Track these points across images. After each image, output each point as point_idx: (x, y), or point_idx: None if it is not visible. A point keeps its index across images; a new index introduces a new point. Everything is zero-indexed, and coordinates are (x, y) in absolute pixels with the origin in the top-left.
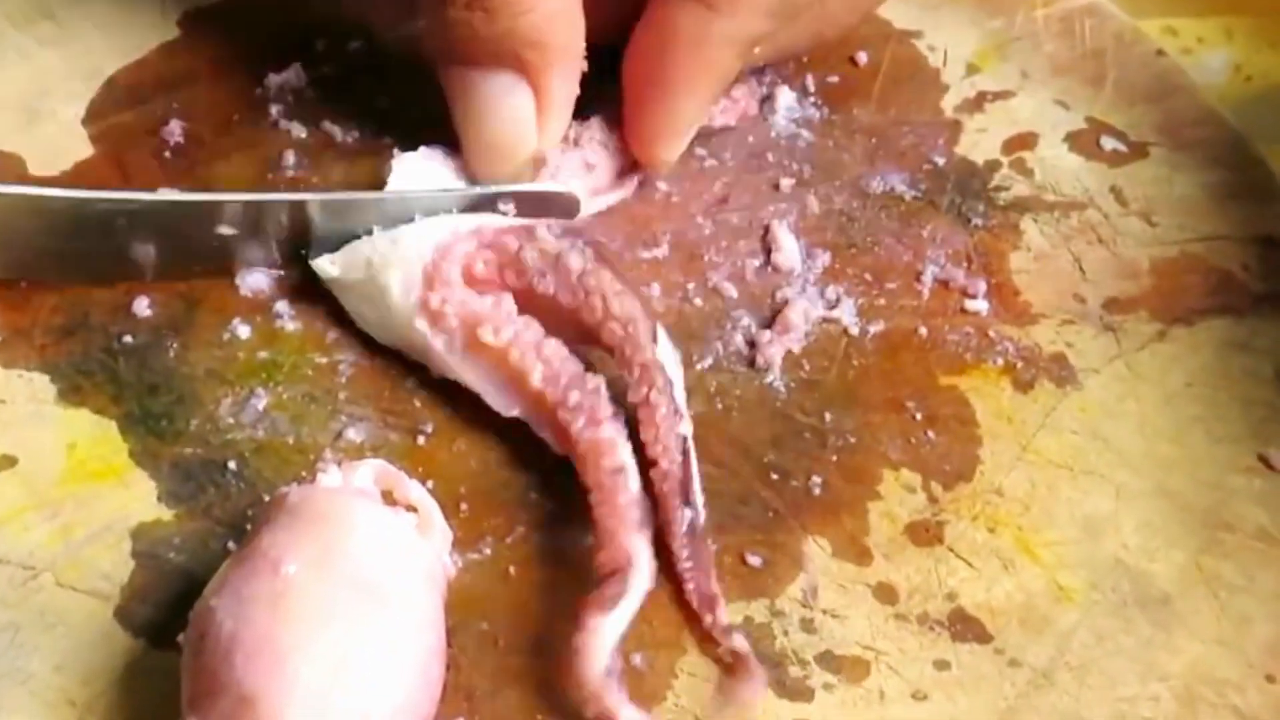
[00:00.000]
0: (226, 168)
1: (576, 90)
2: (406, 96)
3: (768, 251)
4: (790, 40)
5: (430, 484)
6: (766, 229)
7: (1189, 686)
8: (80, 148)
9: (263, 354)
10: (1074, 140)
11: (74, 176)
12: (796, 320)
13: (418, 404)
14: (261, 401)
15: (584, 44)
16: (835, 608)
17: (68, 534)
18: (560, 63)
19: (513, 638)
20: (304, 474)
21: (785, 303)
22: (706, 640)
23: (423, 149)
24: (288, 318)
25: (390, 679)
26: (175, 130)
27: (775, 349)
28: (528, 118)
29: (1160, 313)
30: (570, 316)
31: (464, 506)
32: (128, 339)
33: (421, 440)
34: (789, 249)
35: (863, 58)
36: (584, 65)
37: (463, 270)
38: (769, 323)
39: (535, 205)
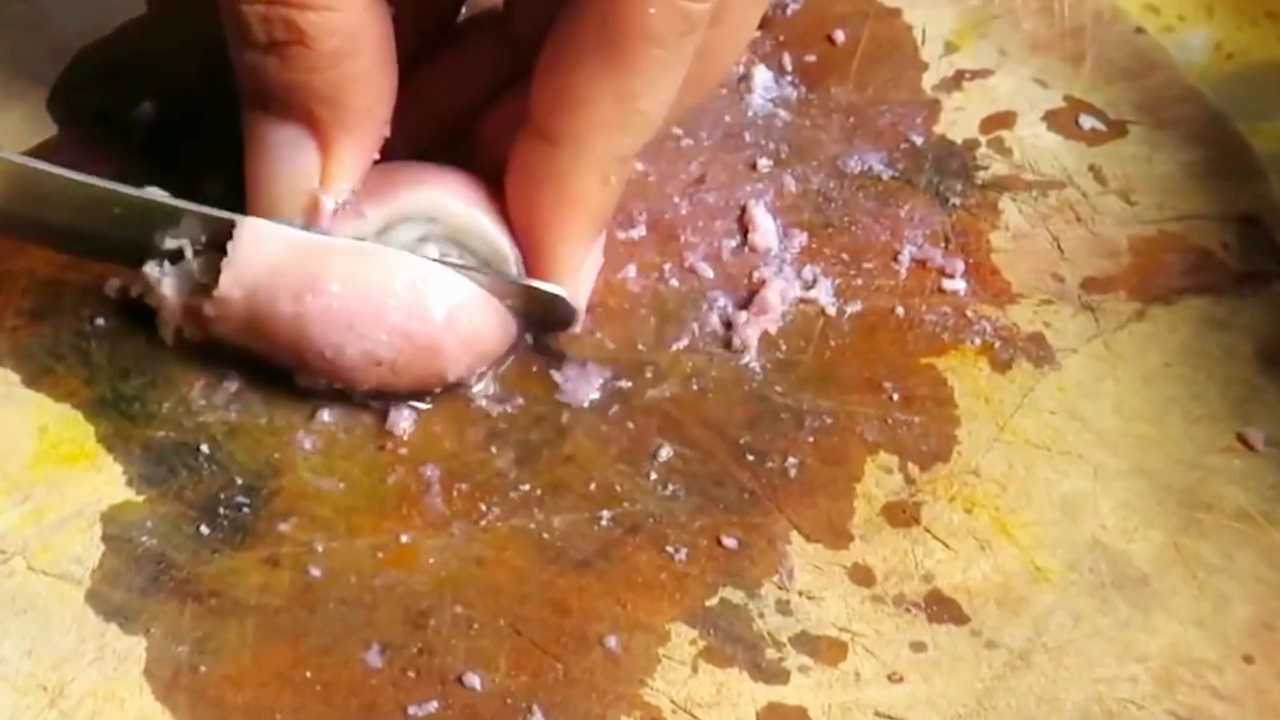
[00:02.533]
0: (200, 148)
1: (373, 156)
2: None
3: (744, 231)
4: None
5: (405, 467)
6: (743, 209)
7: (1167, 667)
8: (52, 128)
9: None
10: (1053, 119)
11: (43, 156)
12: (773, 300)
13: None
14: (234, 384)
15: (388, 112)
16: (811, 589)
17: (39, 518)
18: (355, 127)
19: (487, 621)
20: (276, 455)
21: (762, 283)
22: None
23: None
24: None
25: None
26: (147, 111)
27: (752, 330)
28: (310, 175)
29: (1139, 292)
30: None
31: (438, 489)
32: (99, 322)
33: (396, 421)
34: (766, 229)
35: (840, 36)
36: (386, 133)
37: None
38: (745, 303)
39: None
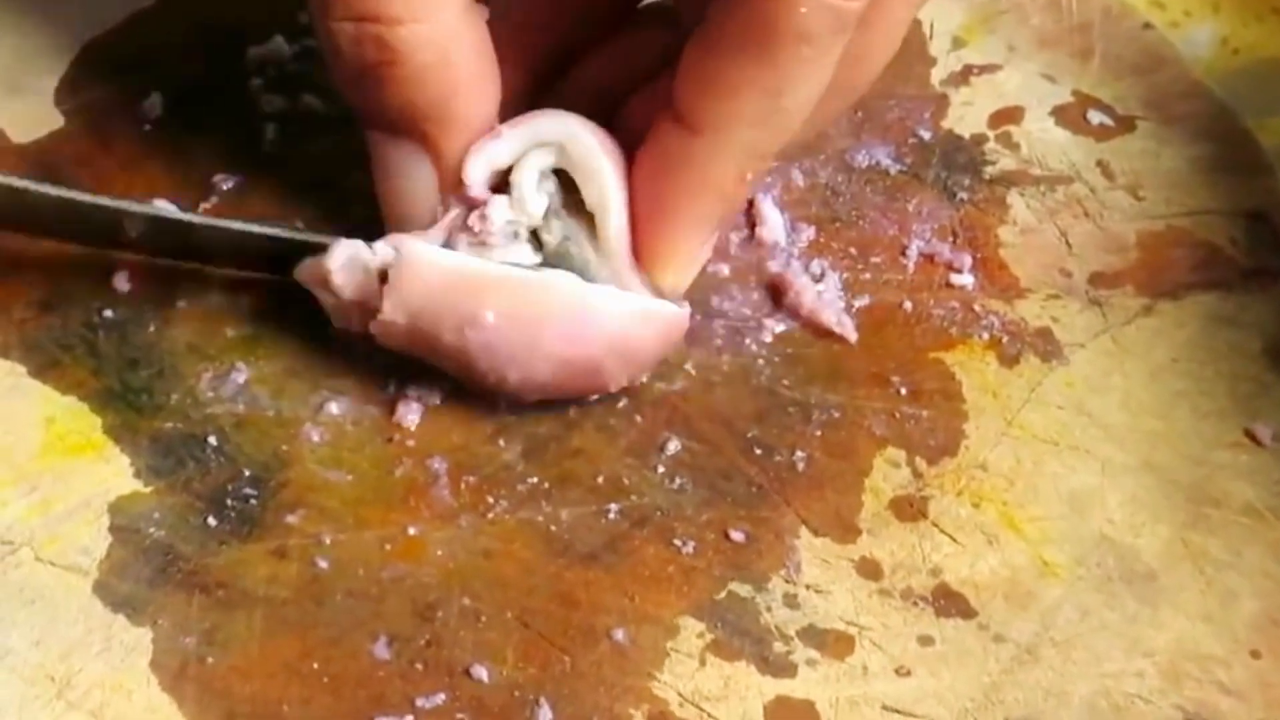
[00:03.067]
0: (208, 142)
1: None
2: None
3: (752, 226)
4: (805, 134)
5: (412, 459)
6: (751, 203)
7: (1174, 662)
8: (60, 120)
9: (244, 329)
10: (1061, 114)
11: (51, 148)
12: (808, 303)
13: (400, 378)
14: (242, 375)
15: (494, 111)
16: (819, 583)
17: (46, 509)
18: (465, 135)
19: (494, 613)
20: (284, 447)
21: (773, 276)
22: None
23: None
24: (268, 292)
25: None
26: (155, 103)
27: (780, 327)
28: (430, 189)
29: (1147, 287)
30: None
31: (446, 481)
32: (108, 313)
33: (404, 414)
34: (774, 223)
35: None
36: (488, 130)
37: None
38: (755, 298)
39: None
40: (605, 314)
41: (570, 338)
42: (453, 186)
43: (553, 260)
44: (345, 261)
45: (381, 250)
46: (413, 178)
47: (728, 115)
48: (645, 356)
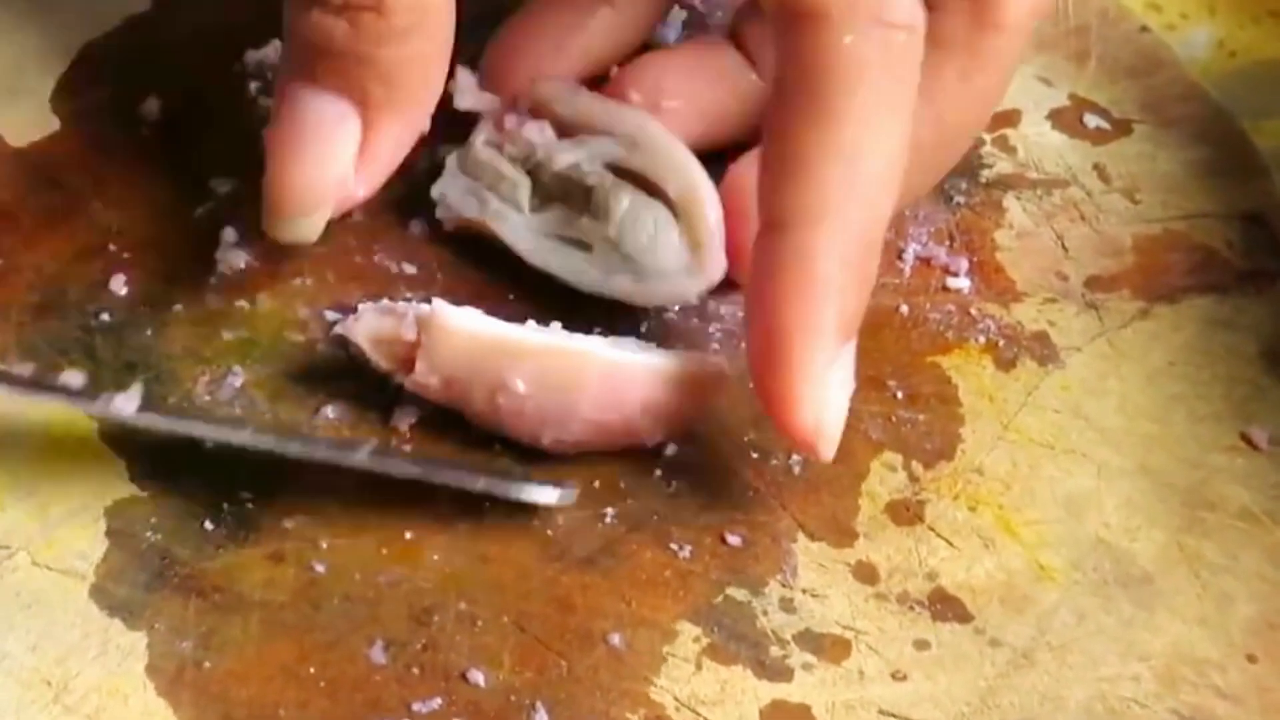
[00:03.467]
0: (205, 146)
1: (406, 151)
2: None
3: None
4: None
5: None
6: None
7: (1170, 666)
8: (56, 123)
9: (241, 332)
10: (1057, 117)
11: (48, 152)
12: None
13: (396, 382)
14: (239, 379)
15: (434, 103)
16: (815, 587)
17: (43, 513)
18: (406, 111)
19: (491, 618)
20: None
21: None
22: None
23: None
24: (266, 296)
25: None
26: (153, 107)
27: None
28: (347, 151)
29: (1143, 290)
30: None
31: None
32: (105, 317)
33: (401, 418)
34: None
35: None
36: (427, 125)
37: None
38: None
39: None
40: (638, 380)
41: (603, 405)
42: (367, 161)
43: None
44: (373, 332)
45: (413, 313)
46: (332, 136)
47: (807, 198)
48: (681, 416)
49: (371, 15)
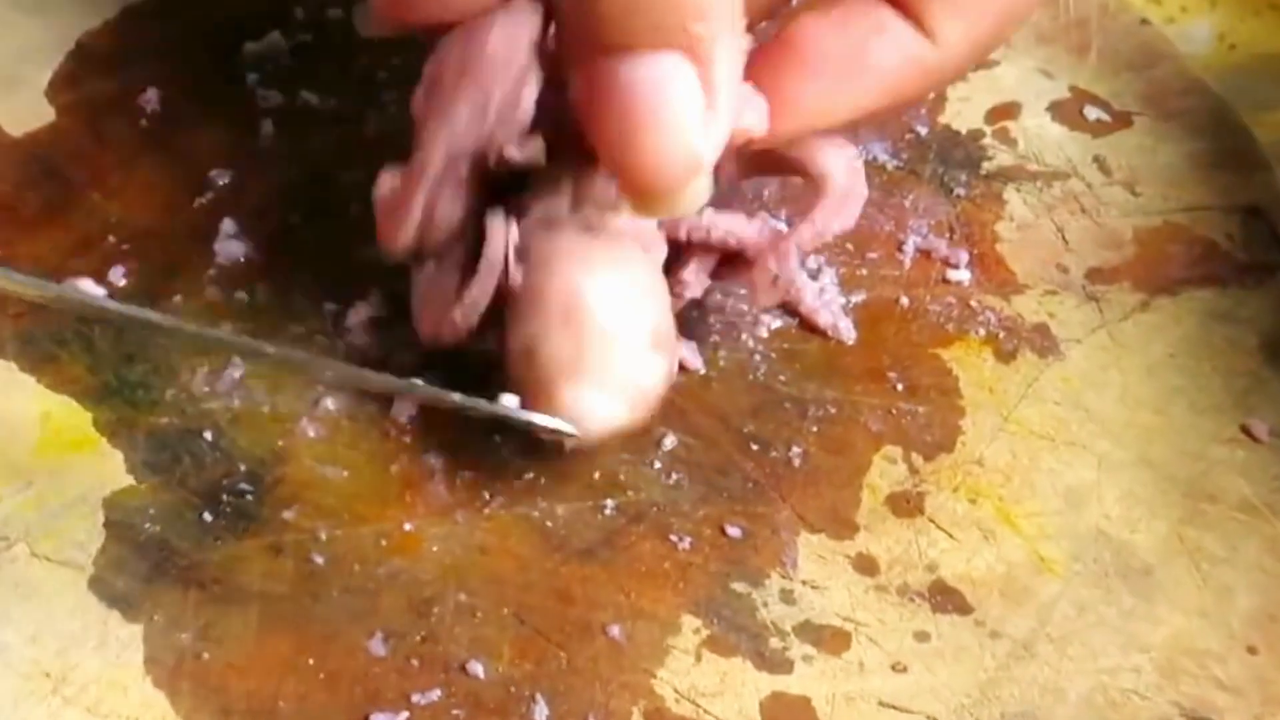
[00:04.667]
0: (204, 138)
1: (741, 68)
2: (385, 66)
3: None
4: None
5: (408, 455)
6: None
7: (1170, 658)
8: (54, 114)
9: (240, 324)
10: (1057, 110)
11: (47, 143)
12: (810, 301)
13: (397, 373)
14: (238, 371)
15: (744, 21)
16: (815, 579)
17: (41, 504)
18: (728, 35)
19: (490, 609)
20: (280, 443)
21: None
22: None
23: None
24: (264, 287)
25: None
26: (152, 98)
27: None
28: (696, 104)
29: (1143, 283)
30: None
31: (442, 476)
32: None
33: (400, 409)
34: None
35: None
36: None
37: None
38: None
39: None
40: None
41: None
42: (715, 100)
43: None
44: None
45: None
46: (681, 95)
47: (963, 35)
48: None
49: None
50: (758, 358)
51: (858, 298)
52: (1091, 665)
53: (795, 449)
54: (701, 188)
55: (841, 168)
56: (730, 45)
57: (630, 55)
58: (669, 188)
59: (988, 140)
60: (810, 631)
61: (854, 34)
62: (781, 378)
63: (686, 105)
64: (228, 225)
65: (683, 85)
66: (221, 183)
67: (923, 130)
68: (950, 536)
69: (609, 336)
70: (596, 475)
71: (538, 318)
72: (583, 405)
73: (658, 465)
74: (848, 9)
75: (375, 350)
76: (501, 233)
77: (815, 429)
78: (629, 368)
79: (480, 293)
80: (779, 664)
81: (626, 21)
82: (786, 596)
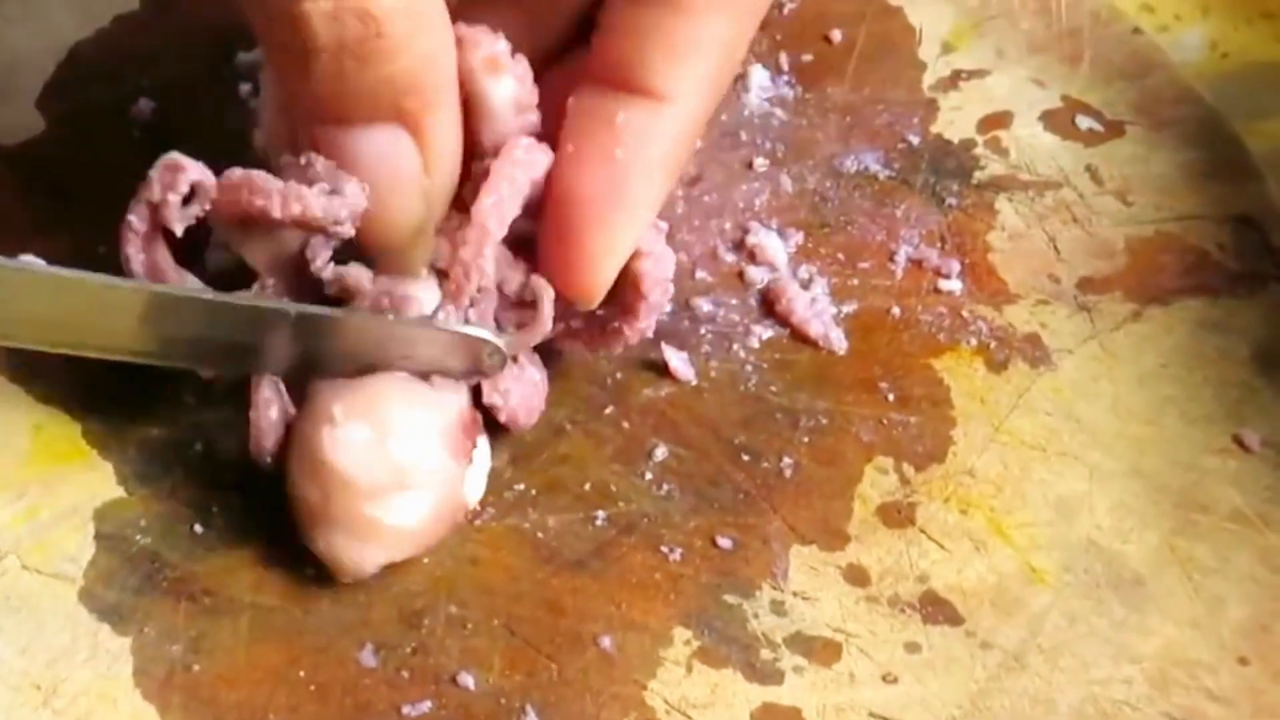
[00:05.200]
0: (196, 146)
1: (460, 133)
2: None
3: (741, 231)
4: None
5: None
6: (745, 230)
7: (1162, 668)
8: (47, 124)
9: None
10: (1050, 119)
11: (40, 152)
12: (800, 311)
13: None
14: (228, 382)
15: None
16: (806, 590)
17: (32, 516)
18: (442, 104)
19: (481, 620)
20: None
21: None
22: None
23: None
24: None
25: None
26: (144, 108)
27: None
28: (414, 172)
29: (1135, 293)
30: None
31: None
32: None
33: None
34: (773, 248)
35: (837, 36)
36: (458, 101)
37: None
38: (746, 306)
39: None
40: None
41: None
42: (435, 168)
43: None
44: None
45: None
46: (396, 162)
47: (696, 79)
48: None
49: (373, 40)
50: (749, 368)
51: (849, 308)
52: (1083, 676)
53: (786, 460)
54: (429, 243)
55: (656, 284)
56: (446, 116)
57: (349, 127)
58: (396, 246)
59: (980, 150)
60: (801, 643)
61: (600, 153)
62: (773, 388)
63: (403, 172)
64: (218, 234)
65: (399, 154)
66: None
67: (914, 140)
68: (941, 547)
69: (348, 485)
70: (587, 486)
71: (296, 466)
72: (335, 550)
73: (649, 476)
74: (580, 122)
75: None
76: (268, 402)
77: (806, 440)
78: (377, 511)
79: (258, 452)
80: (770, 675)
81: (343, 97)
82: (777, 608)
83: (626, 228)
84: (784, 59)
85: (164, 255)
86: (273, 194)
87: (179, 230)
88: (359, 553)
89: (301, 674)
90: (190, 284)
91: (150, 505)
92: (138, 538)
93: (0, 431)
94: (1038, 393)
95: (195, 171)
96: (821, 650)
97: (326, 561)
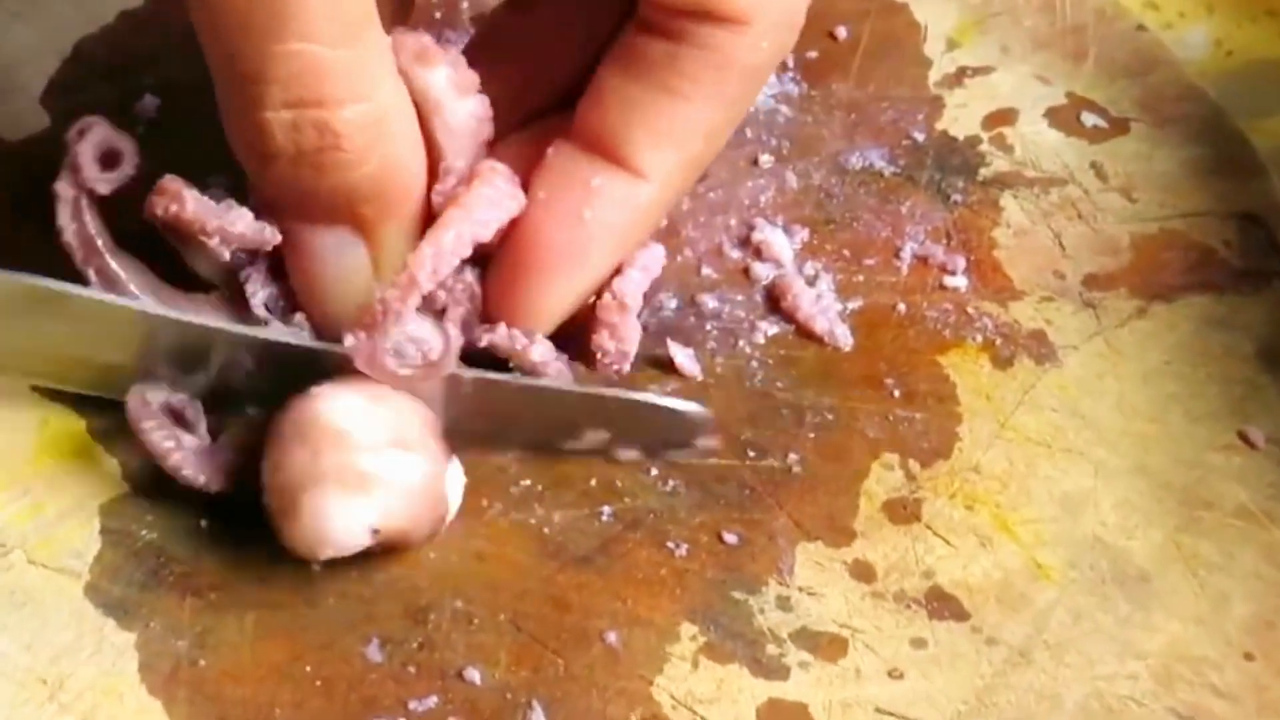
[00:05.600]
0: (201, 145)
1: (416, 239)
2: None
3: (747, 227)
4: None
5: None
6: (751, 227)
7: (1167, 665)
8: (48, 120)
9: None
10: (1054, 116)
11: (45, 150)
12: (806, 308)
13: None
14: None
15: (424, 187)
16: (812, 585)
17: (38, 511)
18: (398, 215)
19: (487, 616)
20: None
21: (772, 284)
22: None
23: None
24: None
25: None
26: (149, 106)
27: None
28: (363, 275)
29: (1140, 289)
30: None
31: None
32: None
33: None
34: (779, 244)
35: (842, 32)
36: (420, 210)
37: None
38: (752, 303)
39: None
40: None
41: None
42: (383, 273)
43: None
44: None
45: None
46: (345, 264)
47: (676, 163)
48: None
49: (330, 152)
50: (755, 364)
51: (855, 304)
52: (1088, 672)
53: (792, 456)
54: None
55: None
56: (401, 225)
57: (307, 225)
58: (332, 323)
59: (985, 146)
60: (807, 638)
61: (570, 210)
62: (779, 385)
63: (351, 274)
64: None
65: (349, 257)
66: (218, 190)
67: (920, 137)
68: (947, 543)
69: (340, 436)
70: (593, 482)
71: (275, 446)
72: (328, 508)
73: (654, 472)
74: (556, 177)
75: None
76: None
77: (812, 436)
78: (370, 463)
79: (190, 479)
80: (776, 671)
81: (300, 198)
82: (783, 603)
83: (577, 284)
84: (789, 56)
85: (96, 225)
86: (194, 206)
87: (104, 190)
88: (347, 511)
89: (307, 669)
90: (133, 269)
91: (156, 501)
92: (143, 533)
93: (6, 427)
94: (1043, 389)
95: (103, 130)
96: (827, 646)
97: (317, 525)
